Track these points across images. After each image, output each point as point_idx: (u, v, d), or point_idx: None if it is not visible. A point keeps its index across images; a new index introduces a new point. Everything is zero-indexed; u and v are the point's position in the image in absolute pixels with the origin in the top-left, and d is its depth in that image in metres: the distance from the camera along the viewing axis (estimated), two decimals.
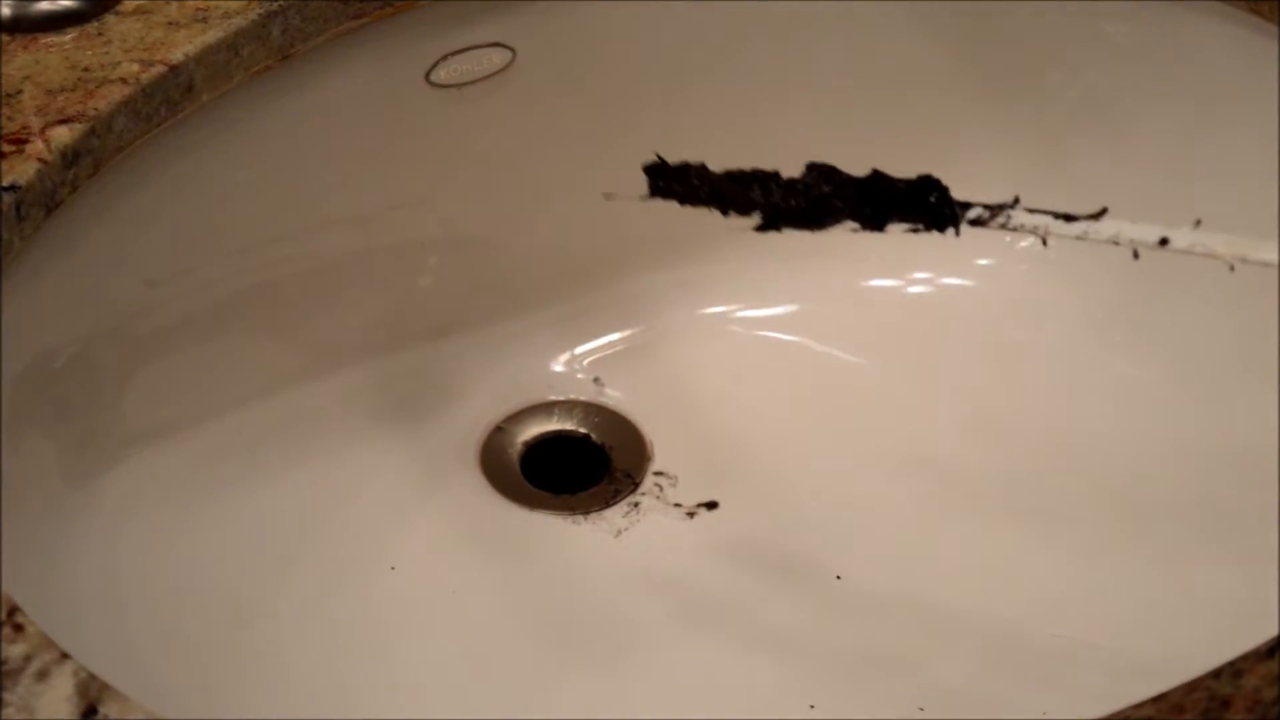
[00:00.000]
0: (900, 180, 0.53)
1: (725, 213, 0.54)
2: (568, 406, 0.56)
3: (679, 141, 0.57)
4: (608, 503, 0.52)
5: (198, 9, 0.46)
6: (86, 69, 0.43)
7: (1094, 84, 0.54)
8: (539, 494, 0.52)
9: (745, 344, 0.58)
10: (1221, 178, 0.51)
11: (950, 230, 0.50)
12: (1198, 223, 0.51)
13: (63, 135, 0.40)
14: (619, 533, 0.51)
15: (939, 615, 0.47)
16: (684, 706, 0.45)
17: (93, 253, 0.43)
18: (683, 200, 0.53)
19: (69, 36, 0.45)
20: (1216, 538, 0.47)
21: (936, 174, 0.56)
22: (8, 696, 0.26)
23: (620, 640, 0.47)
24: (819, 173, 0.53)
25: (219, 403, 0.50)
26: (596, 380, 0.57)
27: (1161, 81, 0.52)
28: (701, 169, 0.51)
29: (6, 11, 0.45)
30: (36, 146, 0.39)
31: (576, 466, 0.54)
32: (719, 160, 0.57)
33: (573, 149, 0.56)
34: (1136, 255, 0.53)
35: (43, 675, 0.27)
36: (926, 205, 0.52)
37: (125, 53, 0.44)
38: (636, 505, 0.52)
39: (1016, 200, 0.50)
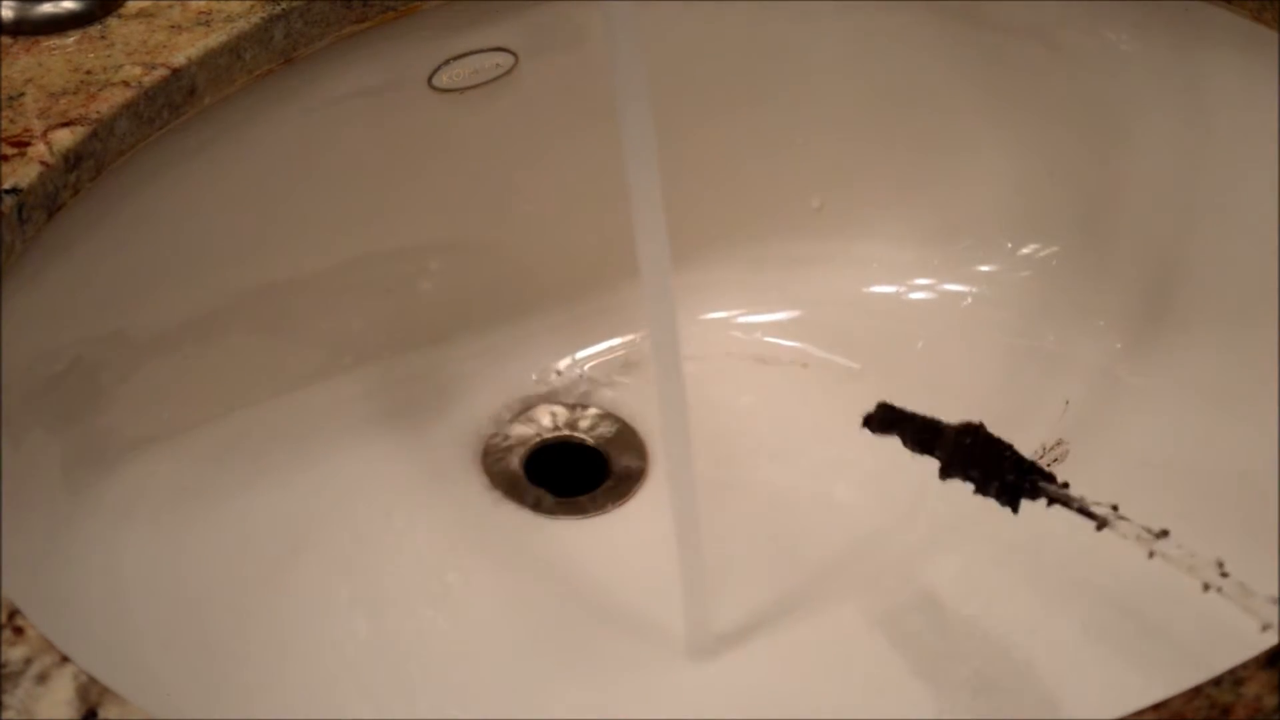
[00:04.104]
0: None
1: None
2: (569, 411, 0.56)
3: (678, 144, 0.57)
4: (608, 507, 0.52)
5: (200, 12, 0.46)
6: (89, 72, 0.43)
7: (1095, 91, 0.54)
8: (540, 497, 0.52)
9: (746, 349, 0.58)
10: (1222, 184, 0.51)
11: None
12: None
13: (65, 138, 0.40)
14: (619, 538, 0.51)
15: (942, 619, 0.47)
16: (684, 709, 0.45)
17: (94, 256, 0.43)
18: None
19: (71, 39, 0.45)
20: (1217, 543, 0.47)
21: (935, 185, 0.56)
22: (8, 700, 0.26)
23: (620, 643, 0.47)
24: None
25: (220, 406, 0.50)
26: (597, 385, 0.56)
27: (1163, 89, 0.52)
28: None
29: (9, 14, 0.45)
30: (38, 149, 0.39)
31: (577, 470, 0.54)
32: (718, 163, 0.57)
33: (574, 153, 0.56)
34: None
35: (43, 678, 0.27)
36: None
37: (127, 56, 0.44)
38: (636, 510, 0.52)
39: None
